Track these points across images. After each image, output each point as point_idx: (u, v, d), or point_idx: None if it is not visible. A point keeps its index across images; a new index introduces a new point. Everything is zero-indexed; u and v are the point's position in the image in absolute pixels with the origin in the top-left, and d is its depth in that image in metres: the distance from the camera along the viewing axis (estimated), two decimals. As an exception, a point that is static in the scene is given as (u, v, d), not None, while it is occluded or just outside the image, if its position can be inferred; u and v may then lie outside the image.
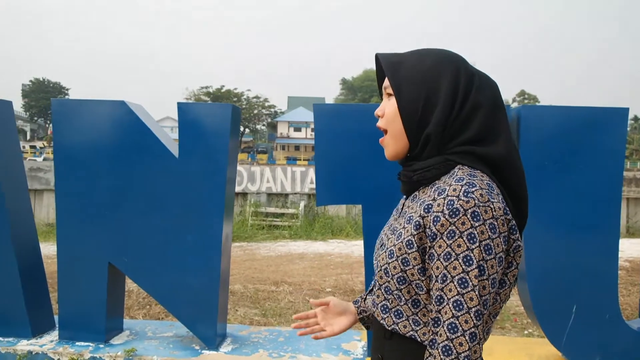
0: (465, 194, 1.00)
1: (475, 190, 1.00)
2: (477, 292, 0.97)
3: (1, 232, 2.90)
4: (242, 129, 62.92)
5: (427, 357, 1.02)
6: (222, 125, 2.83)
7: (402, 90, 1.11)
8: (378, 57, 1.19)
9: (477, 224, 0.98)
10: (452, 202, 1.00)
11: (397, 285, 1.10)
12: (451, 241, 0.99)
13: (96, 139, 2.89)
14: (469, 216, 0.98)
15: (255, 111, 63.33)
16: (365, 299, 1.41)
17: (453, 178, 1.05)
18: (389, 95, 1.15)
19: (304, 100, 68.78)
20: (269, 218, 13.54)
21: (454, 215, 0.99)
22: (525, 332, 4.81)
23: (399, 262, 1.08)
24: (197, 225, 2.86)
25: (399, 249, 1.08)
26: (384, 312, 1.16)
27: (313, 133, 2.94)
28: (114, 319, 3.04)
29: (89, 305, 2.91)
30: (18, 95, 70.73)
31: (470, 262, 0.98)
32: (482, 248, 0.98)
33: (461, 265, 0.98)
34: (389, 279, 1.11)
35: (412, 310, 1.11)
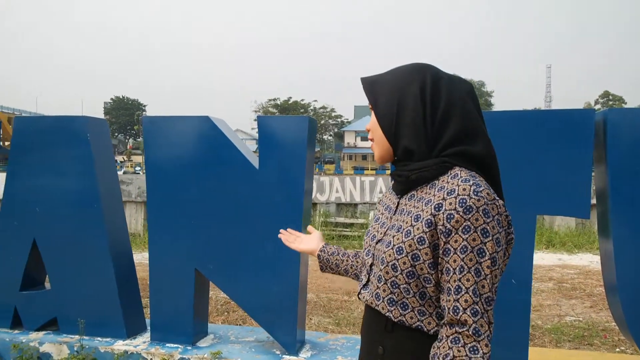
0: (475, 193, 1.11)
1: (483, 189, 1.12)
2: (488, 281, 1.10)
3: (100, 240, 3.14)
4: (309, 139, 63.71)
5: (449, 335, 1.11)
6: (300, 137, 2.92)
7: (378, 102, 1.26)
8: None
9: (488, 220, 1.10)
10: (464, 201, 1.11)
11: (406, 279, 1.19)
12: (467, 235, 1.10)
13: (183, 152, 3.07)
14: (481, 213, 1.10)
15: (322, 121, 63.98)
16: (357, 272, 1.55)
17: (458, 179, 1.15)
18: (372, 110, 1.30)
19: (362, 108, 68.60)
20: (339, 228, 13.60)
21: (467, 212, 1.10)
22: (617, 349, 4.53)
23: (409, 257, 1.18)
24: (276, 235, 2.94)
25: (409, 246, 1.18)
26: (390, 304, 1.24)
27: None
28: (200, 323, 3.19)
29: (178, 309, 3.08)
30: (100, 112, 75.71)
31: (483, 254, 1.10)
32: (494, 241, 1.10)
33: (475, 257, 1.10)
34: (397, 274, 1.20)
35: (420, 302, 1.21)
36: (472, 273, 1.09)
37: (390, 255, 1.21)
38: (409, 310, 1.21)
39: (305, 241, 1.71)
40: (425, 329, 1.21)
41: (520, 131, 2.60)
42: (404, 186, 1.28)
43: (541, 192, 2.58)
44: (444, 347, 1.12)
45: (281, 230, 1.80)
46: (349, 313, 5.86)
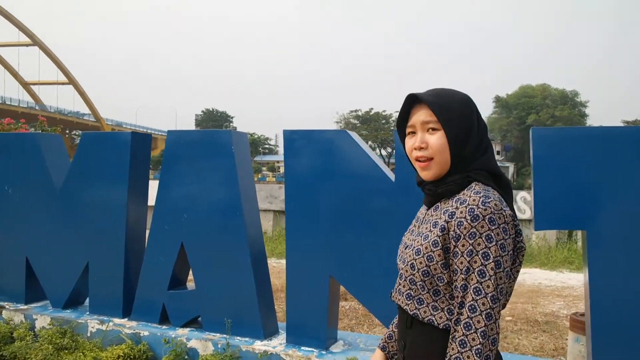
0: (483, 203, 1.29)
1: (491, 200, 1.29)
2: (493, 281, 1.25)
3: (241, 245, 3.37)
4: (390, 150, 63.30)
5: (452, 333, 1.29)
6: (437, 150, 2.97)
7: (452, 128, 1.38)
8: (420, 98, 1.43)
9: (493, 227, 1.27)
10: (472, 210, 1.29)
11: (422, 277, 1.38)
12: (472, 240, 1.27)
13: (321, 163, 3.22)
14: (486, 221, 1.27)
15: (404, 133, 62.93)
16: (393, 340, 1.70)
17: (472, 191, 1.34)
18: (433, 130, 1.40)
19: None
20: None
21: (474, 220, 1.28)
22: None
23: (425, 258, 1.36)
24: (411, 245, 3.01)
25: (426, 248, 1.36)
26: (408, 299, 1.44)
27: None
28: (331, 328, 3.32)
29: (312, 313, 3.23)
30: (192, 123, 79.96)
31: (488, 257, 1.26)
32: (498, 246, 1.26)
33: (480, 260, 1.26)
34: (414, 272, 1.39)
35: (433, 298, 1.38)
36: (476, 274, 1.26)
37: (410, 256, 1.42)
38: (424, 305, 1.39)
39: None
40: (435, 323, 1.37)
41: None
42: (431, 199, 1.46)
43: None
44: (453, 349, 1.29)
45: None
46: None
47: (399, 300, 1.48)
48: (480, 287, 1.25)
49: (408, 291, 1.43)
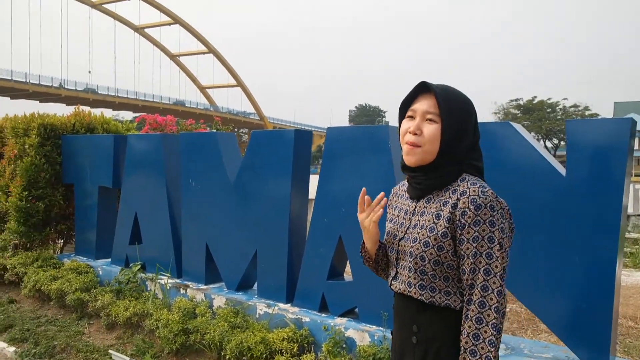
0: (482, 193, 1.43)
1: (487, 189, 1.45)
2: (499, 261, 1.40)
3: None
4: (556, 141, 58.06)
5: (466, 312, 1.42)
6: (619, 142, 2.65)
7: (451, 120, 1.48)
8: (429, 88, 1.52)
9: (494, 213, 1.41)
10: (474, 200, 1.42)
11: (433, 267, 1.48)
12: (477, 227, 1.41)
13: (484, 157, 3.08)
14: (488, 208, 1.41)
15: (573, 122, 57.15)
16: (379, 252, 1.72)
17: (468, 182, 1.47)
18: (431, 121, 1.50)
19: (636, 105, 58.80)
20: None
21: (478, 209, 1.41)
22: None
23: (435, 249, 1.47)
24: (586, 246, 2.73)
25: (435, 239, 1.47)
26: (421, 289, 1.51)
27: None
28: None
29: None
30: (346, 120, 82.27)
31: (492, 240, 1.40)
32: (499, 230, 1.41)
33: (487, 244, 1.40)
34: (425, 263, 1.49)
35: (444, 284, 1.49)
36: (484, 256, 1.39)
37: (418, 249, 1.49)
38: (437, 292, 1.49)
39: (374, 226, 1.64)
40: (452, 306, 1.48)
41: None
42: (421, 192, 1.55)
43: None
44: (469, 327, 1.41)
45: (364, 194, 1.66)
46: (640, 342, 5.09)
47: (411, 292, 1.54)
48: (490, 268, 1.39)
49: (420, 282, 1.51)
